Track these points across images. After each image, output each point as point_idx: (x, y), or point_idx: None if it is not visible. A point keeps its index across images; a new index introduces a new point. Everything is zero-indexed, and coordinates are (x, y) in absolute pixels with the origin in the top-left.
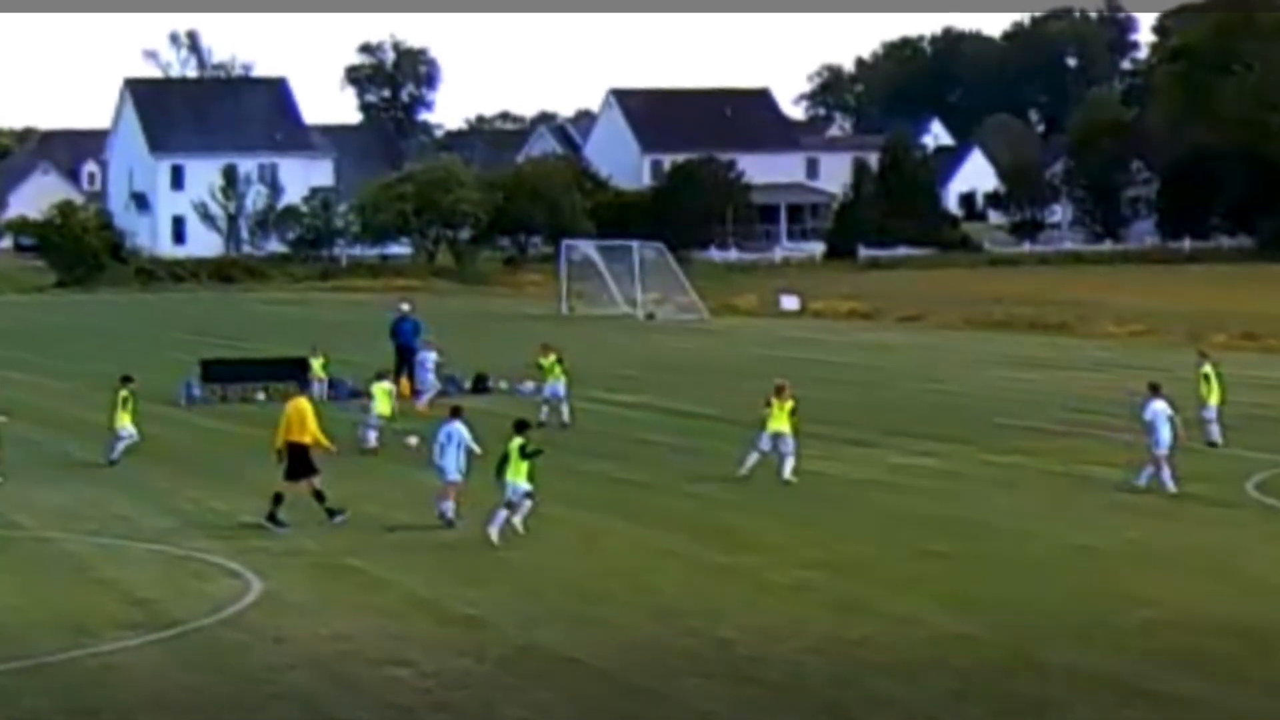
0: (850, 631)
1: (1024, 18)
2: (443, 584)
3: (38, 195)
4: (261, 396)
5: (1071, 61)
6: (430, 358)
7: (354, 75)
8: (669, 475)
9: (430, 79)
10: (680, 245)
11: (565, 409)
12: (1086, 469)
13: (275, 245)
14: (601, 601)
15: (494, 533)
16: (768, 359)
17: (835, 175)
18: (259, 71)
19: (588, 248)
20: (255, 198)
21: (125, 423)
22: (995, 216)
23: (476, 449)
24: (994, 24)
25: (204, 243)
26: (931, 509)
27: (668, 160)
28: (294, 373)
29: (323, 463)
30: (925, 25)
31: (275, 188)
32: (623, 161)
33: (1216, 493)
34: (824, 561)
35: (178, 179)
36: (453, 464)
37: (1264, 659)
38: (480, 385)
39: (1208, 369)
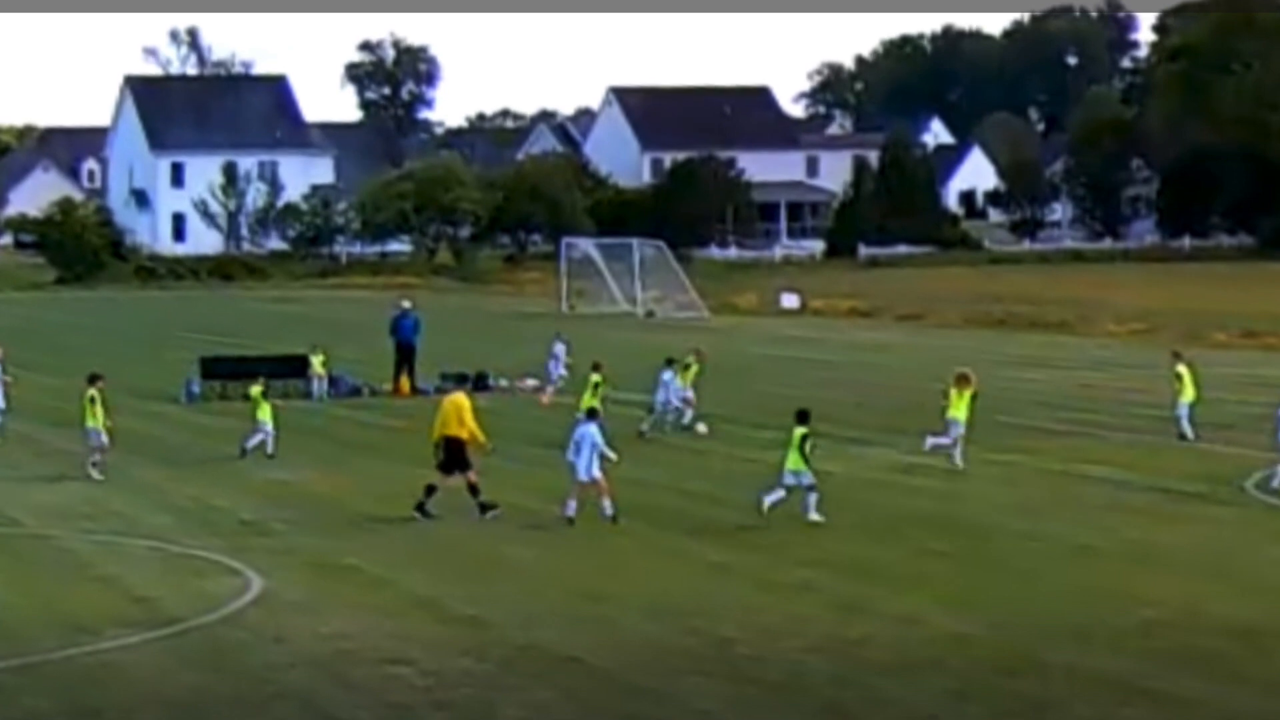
0: (850, 631)
1: (1024, 16)
2: (443, 583)
3: (38, 192)
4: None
5: (1072, 60)
6: (561, 350)
7: (354, 73)
8: (669, 474)
9: (430, 77)
10: (680, 243)
11: (690, 414)
12: (1087, 468)
13: (275, 243)
14: (602, 601)
15: (766, 501)
16: (768, 358)
17: (835, 174)
18: (259, 69)
19: (588, 246)
20: (255, 195)
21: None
22: (995, 215)
23: (611, 454)
24: (994, 22)
25: (204, 240)
26: (932, 508)
27: (668, 158)
28: (294, 370)
29: (323, 460)
30: (925, 23)
31: (275, 185)
32: (623, 159)
33: (1216, 492)
34: (824, 561)
35: (178, 176)
36: (584, 465)
37: (1264, 659)
38: (480, 383)
39: (1180, 368)
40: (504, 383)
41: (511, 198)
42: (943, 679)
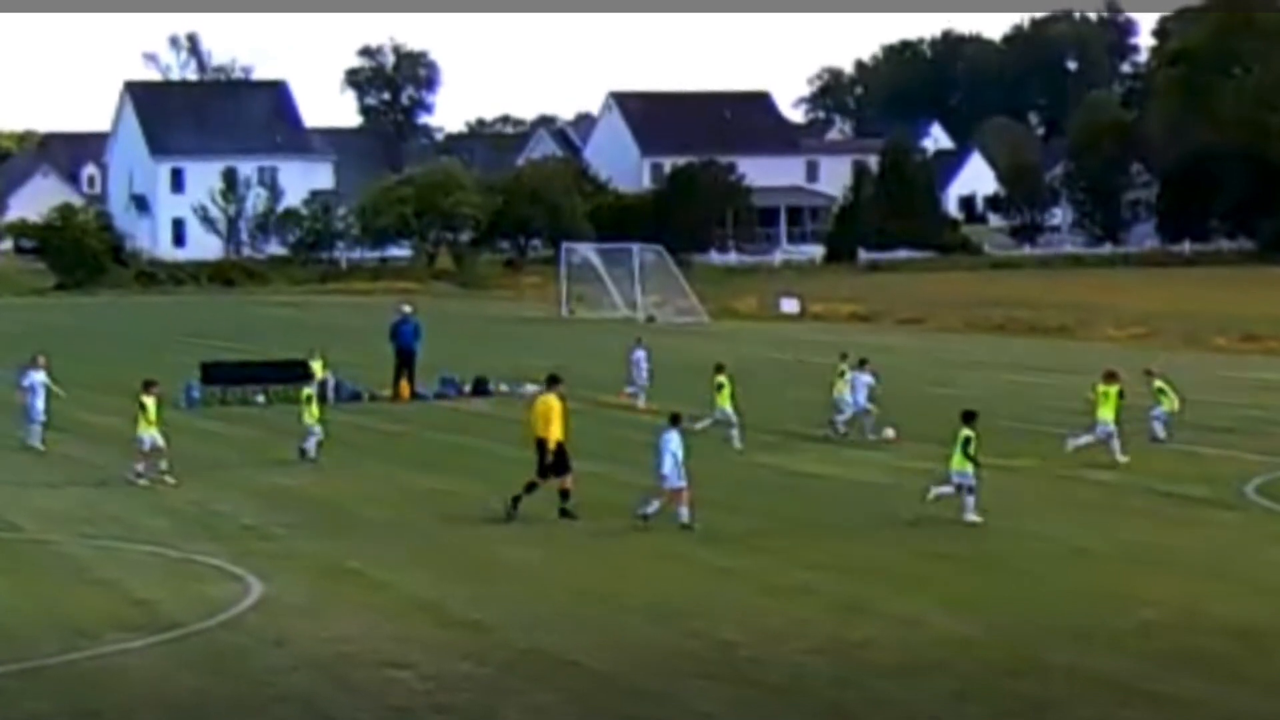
0: (852, 633)
1: (1024, 20)
2: (443, 586)
3: (38, 198)
4: (261, 399)
5: (1071, 64)
6: (642, 356)
7: (354, 78)
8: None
9: (430, 82)
10: (680, 248)
11: (869, 422)
12: (1087, 471)
13: (275, 248)
14: (603, 604)
15: (934, 492)
16: (768, 361)
17: (835, 178)
18: (259, 74)
19: (588, 250)
20: (255, 200)
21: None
22: (995, 219)
23: (678, 455)
24: (994, 26)
25: (204, 245)
26: (933, 511)
27: (667, 163)
28: (294, 374)
29: (323, 464)
30: (925, 28)
31: (275, 190)
32: (622, 164)
33: (1217, 494)
34: (826, 563)
35: (178, 182)
36: (670, 470)
37: (1264, 659)
38: (480, 388)
39: (1159, 384)
40: (504, 388)
41: (511, 203)
42: (944, 680)
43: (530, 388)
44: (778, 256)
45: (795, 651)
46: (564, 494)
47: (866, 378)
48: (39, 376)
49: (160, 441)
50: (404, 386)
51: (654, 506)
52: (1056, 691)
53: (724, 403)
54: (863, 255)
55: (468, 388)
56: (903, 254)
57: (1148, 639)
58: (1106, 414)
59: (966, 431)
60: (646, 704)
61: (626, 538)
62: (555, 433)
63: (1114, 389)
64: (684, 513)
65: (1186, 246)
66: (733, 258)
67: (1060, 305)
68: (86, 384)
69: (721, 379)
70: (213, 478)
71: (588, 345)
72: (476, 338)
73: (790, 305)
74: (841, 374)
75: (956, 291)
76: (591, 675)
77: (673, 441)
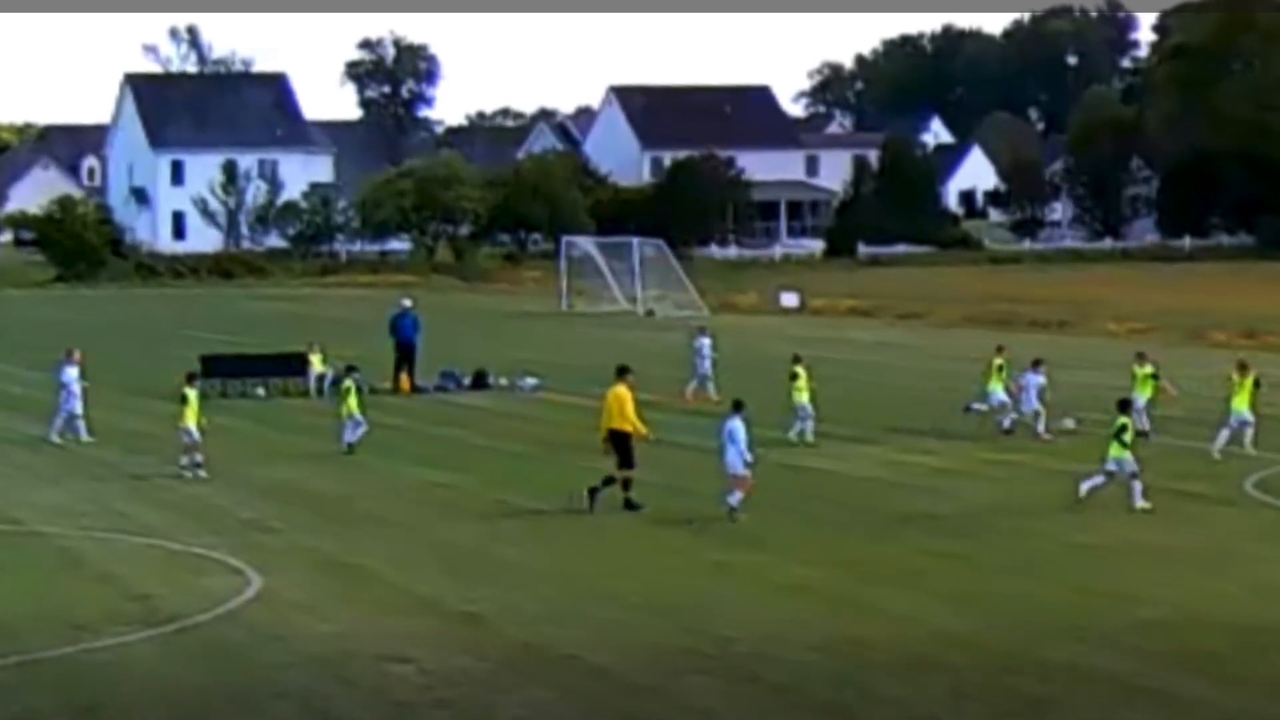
0: (851, 630)
1: (1024, 16)
2: (443, 581)
3: (37, 190)
4: (261, 392)
5: (1072, 60)
6: (706, 344)
7: (354, 71)
8: (669, 472)
9: (430, 75)
10: (680, 242)
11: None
12: (1086, 467)
13: (275, 241)
14: (602, 599)
15: (1084, 488)
16: (768, 356)
17: (835, 173)
18: (259, 67)
19: (588, 244)
20: (255, 193)
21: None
22: (995, 214)
23: (748, 456)
24: (994, 22)
25: (204, 238)
26: (932, 507)
27: (668, 157)
28: (294, 368)
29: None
30: (926, 23)
31: (275, 183)
32: (623, 158)
33: (1216, 491)
34: (825, 560)
35: (178, 174)
36: (736, 458)
37: (1264, 659)
38: (480, 382)
39: (1148, 370)
40: (504, 381)
41: (511, 196)
42: (943, 678)
43: (530, 381)
44: (778, 251)
45: (794, 648)
46: (625, 484)
47: (1039, 378)
48: (73, 372)
49: (197, 436)
50: (404, 380)
51: (737, 497)
52: (1056, 690)
53: (800, 396)
54: (863, 250)
55: (468, 381)
56: (902, 249)
57: (1147, 636)
58: (1241, 404)
59: (1123, 420)
60: (645, 699)
61: (625, 533)
62: (626, 425)
63: (1249, 379)
64: (735, 498)
65: (1187, 242)
66: (733, 252)
67: (1060, 300)
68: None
69: (798, 369)
70: (212, 471)
71: (587, 339)
72: (476, 331)
73: (790, 300)
74: (999, 369)
75: (956, 286)
76: (590, 670)
77: (737, 430)
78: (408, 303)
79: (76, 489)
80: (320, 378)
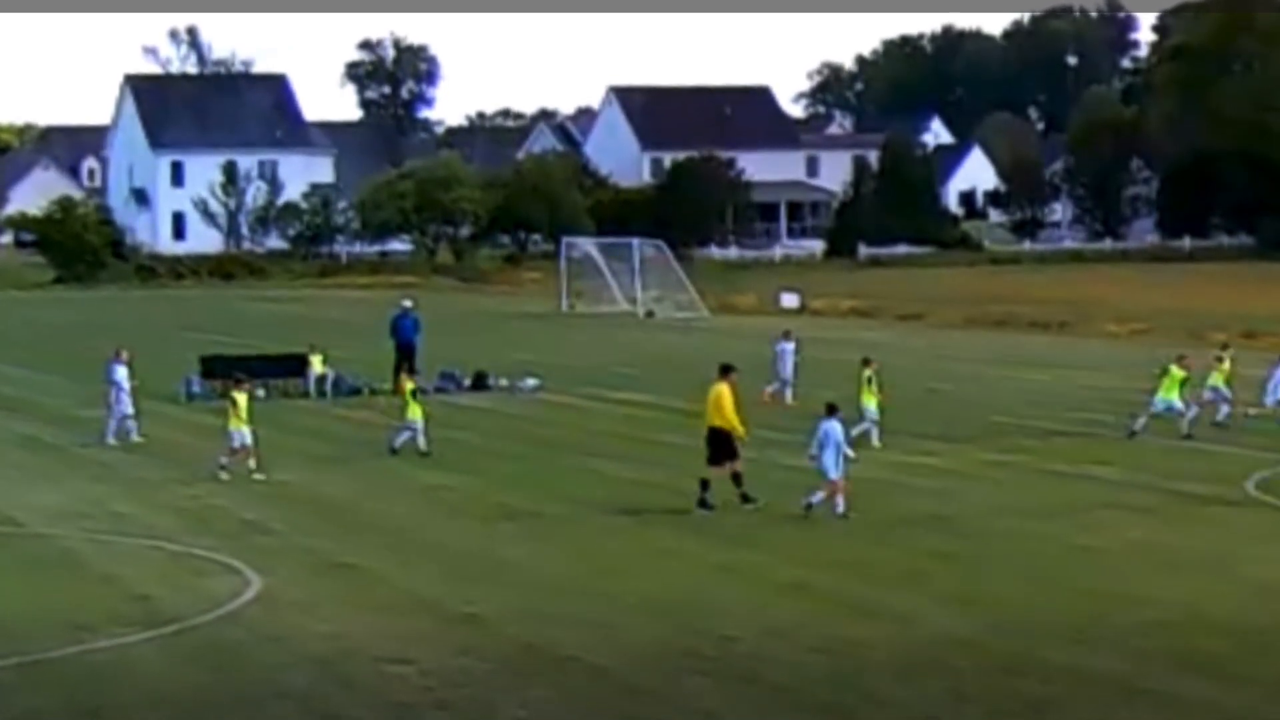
0: (851, 631)
1: (1024, 16)
2: (443, 582)
3: (38, 191)
4: (261, 393)
5: (1072, 60)
6: (789, 348)
7: (354, 72)
8: (669, 473)
9: (430, 76)
10: (680, 243)
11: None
12: (1087, 468)
13: (275, 242)
14: (602, 600)
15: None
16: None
17: (835, 173)
18: (259, 68)
19: (588, 245)
20: (255, 194)
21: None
22: (995, 215)
23: (850, 452)
24: (994, 22)
25: (204, 239)
26: (932, 508)
27: (668, 158)
28: (294, 369)
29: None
30: (926, 23)
31: (275, 184)
32: (623, 159)
33: (1217, 492)
34: (824, 561)
35: (178, 175)
36: (831, 462)
37: (1264, 659)
38: (480, 383)
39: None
40: (504, 382)
41: (512, 197)
42: (943, 679)
43: (530, 382)
44: (778, 251)
45: (794, 649)
46: (736, 479)
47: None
48: (123, 371)
49: (249, 439)
50: (403, 381)
51: (818, 497)
52: (1056, 690)
53: (868, 399)
54: (863, 250)
55: (468, 382)
56: (903, 249)
57: (1148, 638)
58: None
59: (1180, 373)
60: (645, 700)
61: (626, 534)
62: (726, 419)
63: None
64: (839, 504)
65: (1187, 242)
66: (733, 252)
67: (1060, 301)
68: (87, 379)
69: (869, 373)
70: (212, 472)
71: (588, 340)
72: (476, 332)
73: (790, 300)
74: (1182, 383)
75: (956, 287)
76: (590, 671)
77: (835, 433)
78: (408, 304)
79: (77, 490)
80: (320, 379)
